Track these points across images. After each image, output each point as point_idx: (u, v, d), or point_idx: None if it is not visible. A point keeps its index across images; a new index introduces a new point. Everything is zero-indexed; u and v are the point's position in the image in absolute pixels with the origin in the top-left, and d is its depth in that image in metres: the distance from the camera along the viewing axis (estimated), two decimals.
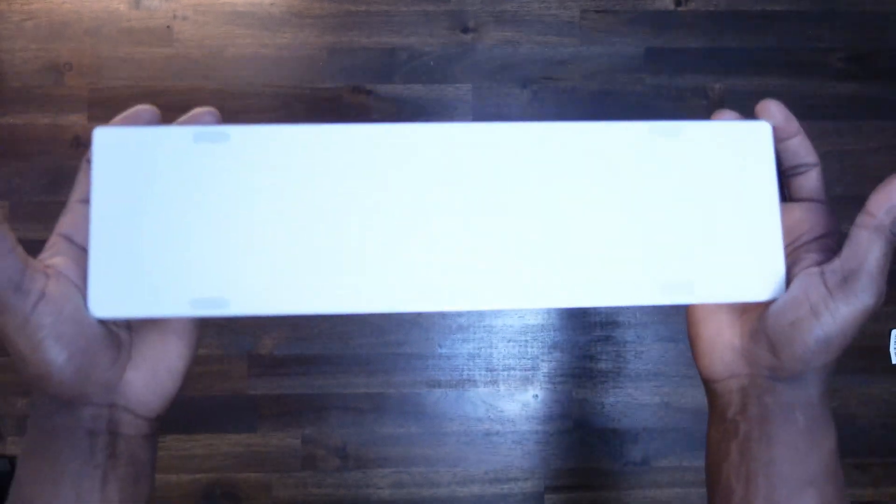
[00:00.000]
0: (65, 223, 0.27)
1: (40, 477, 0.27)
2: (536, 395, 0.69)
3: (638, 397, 0.69)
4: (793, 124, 0.30)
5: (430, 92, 0.69)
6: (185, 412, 0.67)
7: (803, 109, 0.70)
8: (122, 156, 0.28)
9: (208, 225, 0.27)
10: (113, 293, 0.26)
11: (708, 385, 0.31)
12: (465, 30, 0.70)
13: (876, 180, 0.80)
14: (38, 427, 0.27)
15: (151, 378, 0.28)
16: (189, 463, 0.67)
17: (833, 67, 0.70)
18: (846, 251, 0.27)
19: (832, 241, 0.29)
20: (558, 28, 0.70)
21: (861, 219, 0.27)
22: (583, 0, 0.70)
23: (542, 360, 0.69)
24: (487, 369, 0.68)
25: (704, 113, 0.69)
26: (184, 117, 0.29)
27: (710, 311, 0.31)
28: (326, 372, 0.68)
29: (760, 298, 0.28)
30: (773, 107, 0.30)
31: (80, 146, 0.68)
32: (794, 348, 0.27)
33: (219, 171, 0.27)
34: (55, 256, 0.27)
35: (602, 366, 0.69)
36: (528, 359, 0.69)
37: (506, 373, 0.68)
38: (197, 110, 0.29)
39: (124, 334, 0.28)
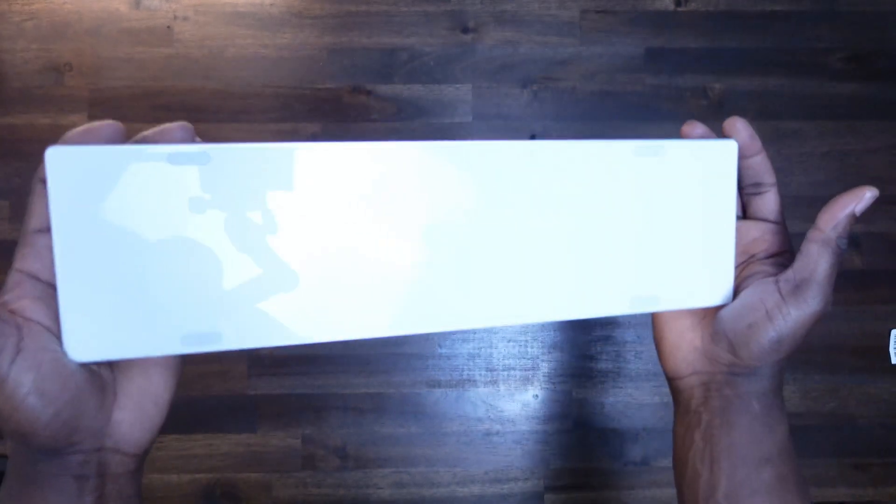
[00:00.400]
0: (25, 257, 0.25)
1: None
2: (536, 395, 0.69)
3: (638, 397, 0.69)
4: (756, 143, 0.32)
5: (430, 92, 0.69)
6: (184, 412, 0.67)
7: (803, 109, 0.70)
8: (84, 179, 0.24)
9: (192, 255, 0.24)
10: (91, 334, 0.24)
11: (672, 383, 0.35)
12: (465, 30, 0.70)
13: (876, 181, 0.80)
14: (20, 475, 0.26)
15: (138, 415, 0.27)
16: (189, 463, 0.67)
17: (833, 67, 0.70)
18: (798, 262, 0.30)
19: (786, 259, 0.32)
20: (558, 28, 0.70)
21: (811, 233, 0.30)
22: (583, 0, 0.70)
23: (542, 360, 0.69)
24: (487, 369, 0.68)
25: (704, 113, 0.69)
26: (151, 132, 0.25)
27: (673, 316, 0.34)
28: (326, 372, 0.68)
29: (712, 304, 0.31)
30: (738, 124, 0.32)
31: None
32: (751, 347, 0.31)
33: (199, 195, 0.24)
34: (21, 299, 0.24)
35: (602, 366, 0.69)
36: (528, 359, 0.69)
37: (506, 373, 0.68)
38: (166, 126, 0.25)
39: (107, 373, 0.26)
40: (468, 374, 0.68)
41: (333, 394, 0.68)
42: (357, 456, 0.68)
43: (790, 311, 0.30)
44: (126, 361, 0.26)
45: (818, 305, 0.30)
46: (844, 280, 0.69)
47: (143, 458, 0.28)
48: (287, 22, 0.69)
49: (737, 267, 0.33)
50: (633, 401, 0.69)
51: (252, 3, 0.69)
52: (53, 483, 0.25)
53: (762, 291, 0.31)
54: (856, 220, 0.30)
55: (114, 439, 0.26)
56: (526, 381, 0.69)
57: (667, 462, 0.68)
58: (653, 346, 0.71)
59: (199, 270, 0.24)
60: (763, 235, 0.33)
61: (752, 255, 0.33)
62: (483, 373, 0.68)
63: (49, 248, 0.24)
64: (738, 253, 0.33)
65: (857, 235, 0.70)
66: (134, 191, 0.24)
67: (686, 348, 0.33)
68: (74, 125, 0.75)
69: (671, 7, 0.70)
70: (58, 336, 0.24)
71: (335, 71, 0.69)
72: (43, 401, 0.23)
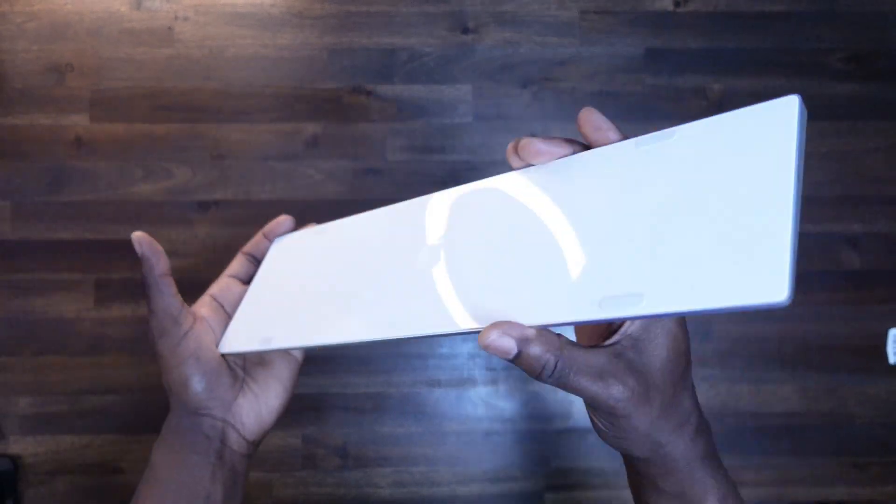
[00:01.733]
0: (215, 287, 0.39)
1: (168, 460, 0.36)
2: (536, 395, 0.69)
3: None
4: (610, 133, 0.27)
5: (430, 92, 0.69)
6: None
7: None
8: (278, 254, 0.40)
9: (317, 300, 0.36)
10: (237, 341, 0.37)
11: None
12: (465, 30, 0.70)
13: (875, 180, 0.80)
14: (171, 426, 0.36)
15: (255, 408, 0.37)
16: None
17: (833, 67, 0.70)
18: None
19: None
20: (558, 28, 0.70)
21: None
22: (583, 1, 0.70)
23: None
24: (487, 369, 0.69)
25: (704, 113, 0.69)
26: (268, 227, 0.42)
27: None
28: (326, 372, 0.68)
29: (760, 301, 0.20)
30: (594, 116, 0.27)
31: (82, 146, 0.68)
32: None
33: (321, 255, 0.38)
34: (202, 308, 0.38)
35: None
36: None
37: (506, 372, 0.69)
38: (278, 220, 0.42)
39: (240, 371, 0.38)
40: (468, 374, 0.68)
41: (334, 393, 0.68)
42: (357, 455, 0.68)
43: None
44: (254, 368, 0.38)
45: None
46: (844, 280, 0.69)
47: (253, 448, 0.38)
48: (287, 22, 0.69)
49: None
50: None
51: (252, 4, 0.69)
52: (192, 436, 0.36)
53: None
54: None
55: (234, 418, 0.36)
56: (526, 380, 0.69)
57: None
58: None
59: (319, 307, 0.36)
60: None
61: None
62: (483, 372, 0.68)
63: (233, 287, 0.40)
64: None
65: (857, 235, 0.70)
66: (297, 260, 0.39)
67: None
68: (75, 125, 0.75)
69: (671, 7, 0.70)
70: (217, 337, 0.37)
71: (335, 71, 0.69)
72: (197, 365, 0.35)
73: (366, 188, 0.68)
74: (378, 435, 0.68)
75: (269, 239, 0.41)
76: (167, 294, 0.35)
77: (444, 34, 0.70)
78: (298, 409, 0.68)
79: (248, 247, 0.41)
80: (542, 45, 0.70)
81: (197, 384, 0.35)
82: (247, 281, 0.40)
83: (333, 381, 0.68)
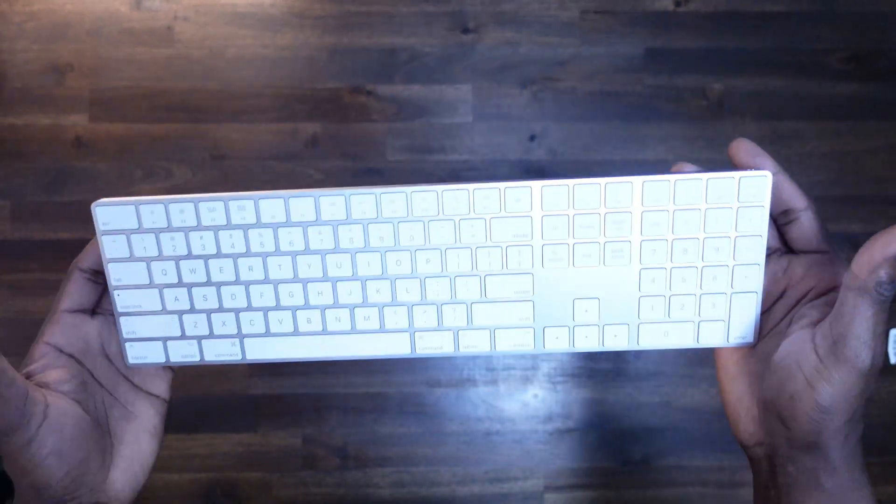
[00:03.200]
0: (53, 333, 0.30)
1: None
2: (536, 395, 0.69)
3: (638, 397, 0.69)
4: (768, 163, 0.28)
5: (430, 92, 0.69)
6: (185, 412, 0.67)
7: (803, 110, 0.70)
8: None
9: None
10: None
11: (743, 449, 0.31)
12: (465, 30, 0.70)
13: (876, 180, 0.80)
14: None
15: (129, 475, 0.31)
16: (189, 462, 0.67)
17: (833, 67, 0.70)
18: (834, 314, 0.26)
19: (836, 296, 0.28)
20: (558, 28, 0.70)
21: (847, 279, 0.25)
22: (583, 1, 0.70)
23: (542, 360, 0.69)
24: (487, 369, 0.68)
25: (704, 113, 0.69)
26: None
27: (730, 376, 0.30)
28: (326, 372, 0.68)
29: (724, 343, 0.31)
30: (745, 146, 0.29)
31: (81, 146, 0.68)
32: (799, 421, 0.26)
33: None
34: (48, 369, 0.29)
35: (602, 366, 0.69)
36: (528, 359, 0.69)
37: (506, 373, 0.68)
38: None
39: (108, 440, 0.31)
40: (468, 374, 0.68)
41: (333, 394, 0.68)
42: (357, 456, 0.68)
43: (832, 374, 0.25)
44: (122, 429, 0.32)
45: (863, 363, 0.25)
46: None
47: None
48: (287, 22, 0.69)
49: (785, 311, 0.29)
50: (633, 401, 0.69)
51: (252, 4, 0.69)
52: None
53: (799, 352, 0.26)
54: None
55: (107, 495, 0.30)
56: (526, 381, 0.69)
57: (667, 461, 0.68)
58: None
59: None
60: (809, 271, 0.29)
61: (802, 297, 0.28)
62: (483, 373, 0.68)
63: (79, 329, 0.31)
64: (784, 294, 0.29)
65: (857, 235, 0.70)
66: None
67: (745, 415, 0.30)
68: (75, 125, 0.74)
69: (671, 7, 0.70)
70: (78, 402, 0.29)
71: (335, 71, 0.69)
72: (59, 460, 0.28)
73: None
74: (378, 435, 0.68)
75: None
76: (6, 380, 0.25)
77: (444, 34, 0.70)
78: (298, 409, 0.68)
79: (86, 260, 0.32)
80: (543, 44, 0.70)
81: (60, 481, 0.28)
82: (94, 309, 0.32)
83: (333, 382, 0.68)
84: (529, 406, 0.69)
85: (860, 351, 0.25)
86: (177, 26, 0.69)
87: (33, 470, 0.28)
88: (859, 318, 0.25)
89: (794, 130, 0.70)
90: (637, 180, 0.29)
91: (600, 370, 0.69)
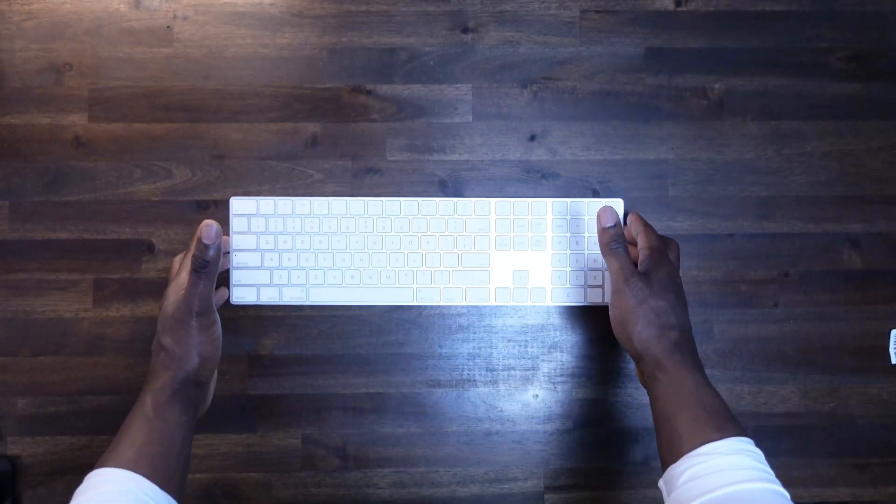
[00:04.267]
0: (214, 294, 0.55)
1: (163, 411, 0.50)
2: (536, 395, 0.69)
3: (638, 397, 0.69)
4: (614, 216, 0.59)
5: (430, 92, 0.69)
6: None
7: (803, 109, 0.70)
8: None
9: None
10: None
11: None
12: (465, 30, 0.69)
13: (876, 180, 0.80)
14: (168, 383, 0.51)
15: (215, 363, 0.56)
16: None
17: (833, 67, 0.70)
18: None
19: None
20: (558, 28, 0.70)
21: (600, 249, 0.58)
22: (583, 0, 0.70)
23: (542, 360, 0.69)
24: (487, 369, 0.68)
25: (704, 113, 0.69)
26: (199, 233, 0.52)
27: (614, 321, 0.58)
28: (326, 372, 0.68)
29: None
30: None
31: (80, 146, 0.68)
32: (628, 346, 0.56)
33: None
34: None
35: (602, 366, 0.69)
36: (528, 359, 0.69)
37: (506, 373, 0.68)
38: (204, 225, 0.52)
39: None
40: (468, 374, 0.68)
41: (333, 394, 0.68)
42: (357, 456, 0.68)
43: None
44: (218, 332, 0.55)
45: (608, 299, 0.57)
46: (844, 280, 0.69)
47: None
48: (287, 21, 0.69)
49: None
50: (633, 401, 0.69)
51: (252, 3, 0.69)
52: (182, 398, 0.51)
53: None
54: (614, 230, 0.56)
55: (211, 385, 0.58)
56: (526, 381, 0.69)
57: None
58: None
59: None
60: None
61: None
62: (483, 373, 0.68)
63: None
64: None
65: (858, 235, 0.70)
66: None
67: (627, 344, 0.57)
68: (74, 125, 0.74)
69: (671, 7, 0.70)
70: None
71: (335, 71, 0.69)
72: (213, 350, 0.54)
73: (366, 188, 0.68)
74: (378, 435, 0.68)
75: (207, 243, 0.50)
76: (213, 284, 0.51)
77: (444, 34, 0.69)
78: (298, 409, 0.68)
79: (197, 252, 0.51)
80: (543, 44, 0.70)
81: (217, 359, 0.54)
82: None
83: (333, 382, 0.68)
84: (529, 406, 0.69)
85: (607, 291, 0.55)
86: (176, 26, 0.69)
87: (212, 342, 0.53)
88: (610, 267, 0.56)
89: (795, 130, 0.70)
90: (549, 201, 0.64)
91: (600, 370, 0.69)
